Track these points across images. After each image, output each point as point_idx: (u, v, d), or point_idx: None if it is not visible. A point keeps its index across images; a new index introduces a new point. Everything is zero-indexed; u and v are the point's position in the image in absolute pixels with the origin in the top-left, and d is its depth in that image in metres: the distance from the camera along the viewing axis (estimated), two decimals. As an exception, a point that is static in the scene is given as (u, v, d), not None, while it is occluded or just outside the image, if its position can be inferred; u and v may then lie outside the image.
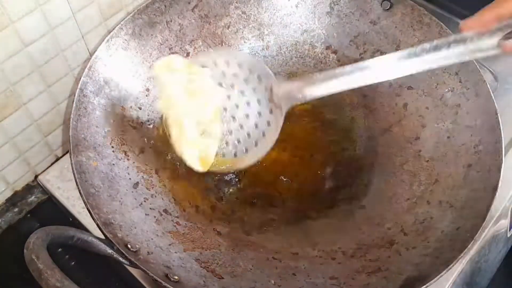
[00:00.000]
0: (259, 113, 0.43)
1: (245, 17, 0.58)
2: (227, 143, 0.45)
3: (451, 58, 0.36)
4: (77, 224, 0.52)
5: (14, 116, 0.49)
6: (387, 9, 0.55)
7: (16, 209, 0.55)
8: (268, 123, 0.43)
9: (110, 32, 0.49)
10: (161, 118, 0.53)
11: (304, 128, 0.56)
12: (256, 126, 0.43)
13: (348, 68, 0.40)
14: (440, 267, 0.39)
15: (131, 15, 0.51)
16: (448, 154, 0.49)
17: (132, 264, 0.38)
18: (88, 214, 0.40)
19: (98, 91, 0.48)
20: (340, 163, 0.54)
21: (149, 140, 0.51)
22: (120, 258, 0.39)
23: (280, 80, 0.42)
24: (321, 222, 0.50)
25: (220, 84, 0.43)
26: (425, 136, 0.51)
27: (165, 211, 0.47)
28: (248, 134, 0.44)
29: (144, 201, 0.46)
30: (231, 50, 0.44)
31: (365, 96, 0.57)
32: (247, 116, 0.43)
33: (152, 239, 0.43)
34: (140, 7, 0.51)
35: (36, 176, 0.56)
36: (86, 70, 0.47)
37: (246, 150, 0.44)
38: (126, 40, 0.51)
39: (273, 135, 0.43)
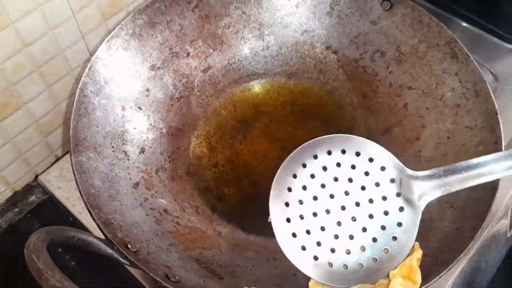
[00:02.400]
0: (386, 212, 0.37)
1: (245, 17, 0.58)
2: (349, 251, 0.37)
3: None
4: (77, 224, 0.52)
5: (14, 116, 0.49)
6: (387, 10, 0.55)
7: (16, 209, 0.55)
8: (399, 224, 0.37)
9: (110, 32, 0.49)
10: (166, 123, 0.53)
11: (304, 128, 0.56)
12: (384, 228, 0.37)
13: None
14: (440, 267, 0.39)
15: (131, 15, 0.51)
16: (448, 155, 0.49)
17: (132, 264, 0.38)
18: (88, 214, 0.40)
19: (98, 91, 0.48)
20: (340, 163, 0.54)
21: (149, 140, 0.51)
22: (120, 258, 0.39)
23: (410, 170, 0.37)
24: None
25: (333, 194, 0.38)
26: (425, 137, 0.51)
27: (165, 211, 0.47)
28: (374, 239, 0.37)
29: (144, 201, 0.46)
30: (347, 136, 0.37)
31: (365, 96, 0.57)
32: (370, 216, 0.38)
33: (152, 239, 0.43)
34: (141, 7, 0.51)
35: (36, 176, 0.56)
36: (87, 70, 0.47)
37: (375, 260, 0.38)
38: (126, 40, 0.51)
39: (407, 239, 0.37)
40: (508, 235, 0.56)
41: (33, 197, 0.56)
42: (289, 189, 0.38)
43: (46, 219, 0.55)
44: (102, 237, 0.39)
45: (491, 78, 0.61)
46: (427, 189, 0.37)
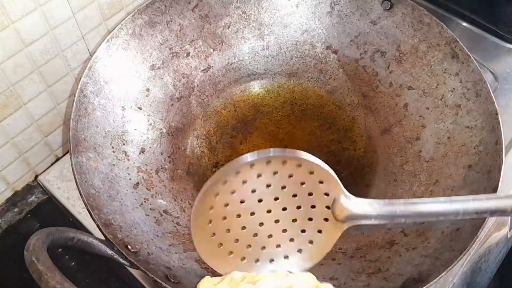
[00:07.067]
0: (310, 218, 0.37)
1: (246, 17, 0.58)
2: (263, 247, 0.38)
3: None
4: (77, 224, 0.52)
5: (14, 116, 0.49)
6: (388, 9, 0.55)
7: (16, 209, 0.55)
8: (319, 231, 0.37)
9: (110, 32, 0.49)
10: (161, 119, 0.53)
11: (304, 128, 0.56)
12: (304, 231, 0.37)
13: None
14: (440, 268, 0.39)
15: (131, 15, 0.51)
16: (448, 155, 0.49)
17: (132, 265, 0.38)
18: (88, 215, 0.40)
19: (98, 91, 0.48)
20: (340, 163, 0.54)
21: (149, 140, 0.51)
22: (120, 259, 0.39)
23: (347, 192, 0.35)
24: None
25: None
26: (425, 137, 0.51)
27: (165, 211, 0.47)
28: (292, 239, 0.38)
29: (144, 201, 0.46)
30: (296, 151, 0.34)
31: (365, 96, 0.57)
32: (294, 220, 0.37)
33: (152, 239, 0.43)
34: (140, 7, 0.51)
35: (36, 176, 0.56)
36: (86, 70, 0.47)
37: (286, 257, 0.38)
38: (126, 40, 0.51)
39: (323, 246, 0.37)
40: (508, 236, 0.57)
41: (33, 197, 0.56)
42: (216, 194, 0.35)
43: (46, 219, 0.55)
44: (102, 237, 0.39)
45: (491, 78, 0.61)
46: (357, 215, 0.35)
